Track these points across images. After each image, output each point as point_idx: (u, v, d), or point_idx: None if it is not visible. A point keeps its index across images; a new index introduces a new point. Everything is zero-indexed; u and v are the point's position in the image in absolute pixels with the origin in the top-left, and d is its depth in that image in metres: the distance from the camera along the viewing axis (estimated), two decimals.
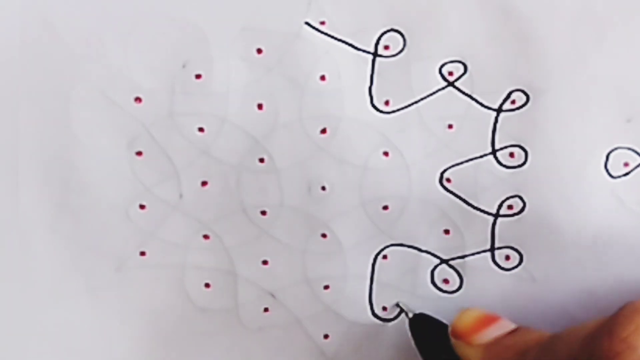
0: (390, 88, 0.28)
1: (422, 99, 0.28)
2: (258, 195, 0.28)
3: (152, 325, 0.29)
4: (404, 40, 0.28)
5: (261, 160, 0.28)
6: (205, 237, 0.28)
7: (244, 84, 0.27)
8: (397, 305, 0.29)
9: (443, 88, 0.28)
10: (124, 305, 0.28)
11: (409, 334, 0.29)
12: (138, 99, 0.27)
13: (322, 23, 0.27)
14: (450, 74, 0.28)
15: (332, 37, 0.27)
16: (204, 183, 0.28)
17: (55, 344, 0.28)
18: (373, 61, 0.28)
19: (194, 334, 0.29)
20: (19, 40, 0.26)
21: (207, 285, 0.28)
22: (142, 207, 0.28)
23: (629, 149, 0.29)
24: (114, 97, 0.27)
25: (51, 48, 0.26)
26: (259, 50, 0.27)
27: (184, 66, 0.27)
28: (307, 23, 0.27)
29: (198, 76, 0.27)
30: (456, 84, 0.28)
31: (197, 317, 0.29)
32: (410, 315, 0.29)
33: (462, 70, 0.28)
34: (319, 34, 0.27)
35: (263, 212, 0.28)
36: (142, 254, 0.28)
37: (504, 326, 0.27)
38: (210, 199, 0.28)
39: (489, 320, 0.27)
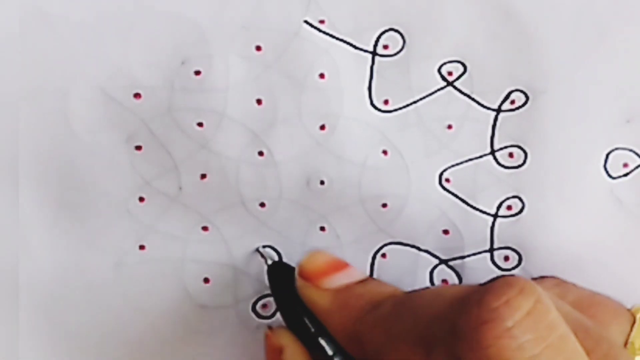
0: (389, 87, 0.28)
1: (421, 98, 0.28)
2: (257, 187, 0.28)
3: (152, 321, 0.29)
4: (403, 39, 0.28)
5: (260, 153, 0.28)
6: (205, 228, 0.28)
7: (243, 80, 0.27)
8: (257, 250, 0.28)
9: (442, 88, 0.28)
10: (123, 302, 0.29)
11: (267, 281, 0.28)
12: (137, 95, 0.27)
13: (322, 22, 0.27)
14: (450, 74, 0.28)
15: (332, 36, 0.28)
16: (203, 176, 0.28)
17: (54, 341, 0.29)
18: (372, 60, 0.28)
19: (193, 331, 0.29)
20: (18, 37, 0.26)
21: (206, 280, 0.29)
22: (141, 199, 0.28)
23: (629, 149, 0.28)
24: (114, 94, 0.27)
25: (50, 45, 0.26)
26: (258, 48, 0.27)
27: (183, 63, 0.27)
28: (306, 22, 0.27)
29: (197, 73, 0.27)
30: (455, 84, 0.28)
31: (196, 313, 0.29)
32: (270, 262, 0.28)
33: (461, 70, 0.28)
34: (318, 32, 0.27)
35: (262, 205, 0.28)
36: (142, 247, 0.28)
37: (354, 274, 0.26)
38: (209, 191, 0.28)
39: (339, 265, 0.26)
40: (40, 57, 0.27)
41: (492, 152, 0.29)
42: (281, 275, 0.27)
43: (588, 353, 0.21)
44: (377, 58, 0.28)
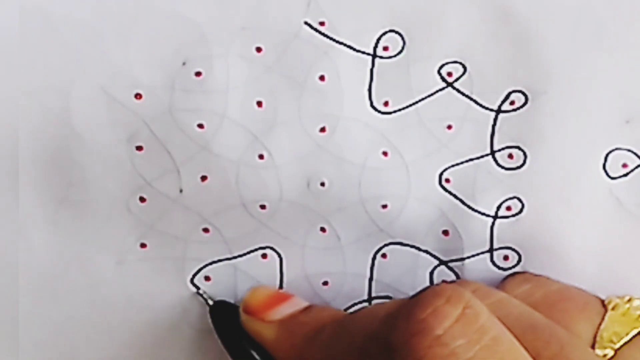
0: (389, 89, 0.28)
1: (421, 99, 0.28)
2: (257, 190, 0.28)
3: (153, 319, 0.29)
4: (403, 41, 0.28)
5: (260, 156, 0.28)
6: (205, 230, 0.29)
7: (244, 81, 0.27)
8: (198, 293, 0.29)
9: (442, 89, 0.28)
10: (124, 299, 0.29)
11: (210, 322, 0.28)
12: (138, 95, 0.27)
13: (322, 24, 0.27)
14: (450, 74, 0.28)
15: (332, 38, 0.28)
16: (203, 178, 0.28)
17: (55, 338, 0.29)
18: (372, 62, 0.28)
19: (194, 328, 0.29)
20: (19, 37, 0.26)
21: (207, 278, 0.29)
22: (142, 199, 0.28)
23: (628, 150, 0.29)
24: (115, 94, 0.27)
25: (51, 45, 0.27)
26: (259, 49, 0.27)
27: (183, 64, 0.27)
28: (306, 23, 0.27)
29: (198, 74, 0.27)
30: (455, 84, 0.28)
31: (197, 311, 0.29)
32: (211, 302, 0.29)
33: (461, 71, 0.28)
34: (318, 34, 0.28)
35: (262, 207, 0.29)
36: (143, 246, 0.28)
37: (297, 303, 0.27)
38: (210, 193, 0.28)
39: (281, 297, 0.27)
40: (40, 57, 0.27)
41: (492, 153, 0.29)
42: (224, 314, 0.28)
43: (537, 354, 0.22)
44: (377, 60, 0.28)
